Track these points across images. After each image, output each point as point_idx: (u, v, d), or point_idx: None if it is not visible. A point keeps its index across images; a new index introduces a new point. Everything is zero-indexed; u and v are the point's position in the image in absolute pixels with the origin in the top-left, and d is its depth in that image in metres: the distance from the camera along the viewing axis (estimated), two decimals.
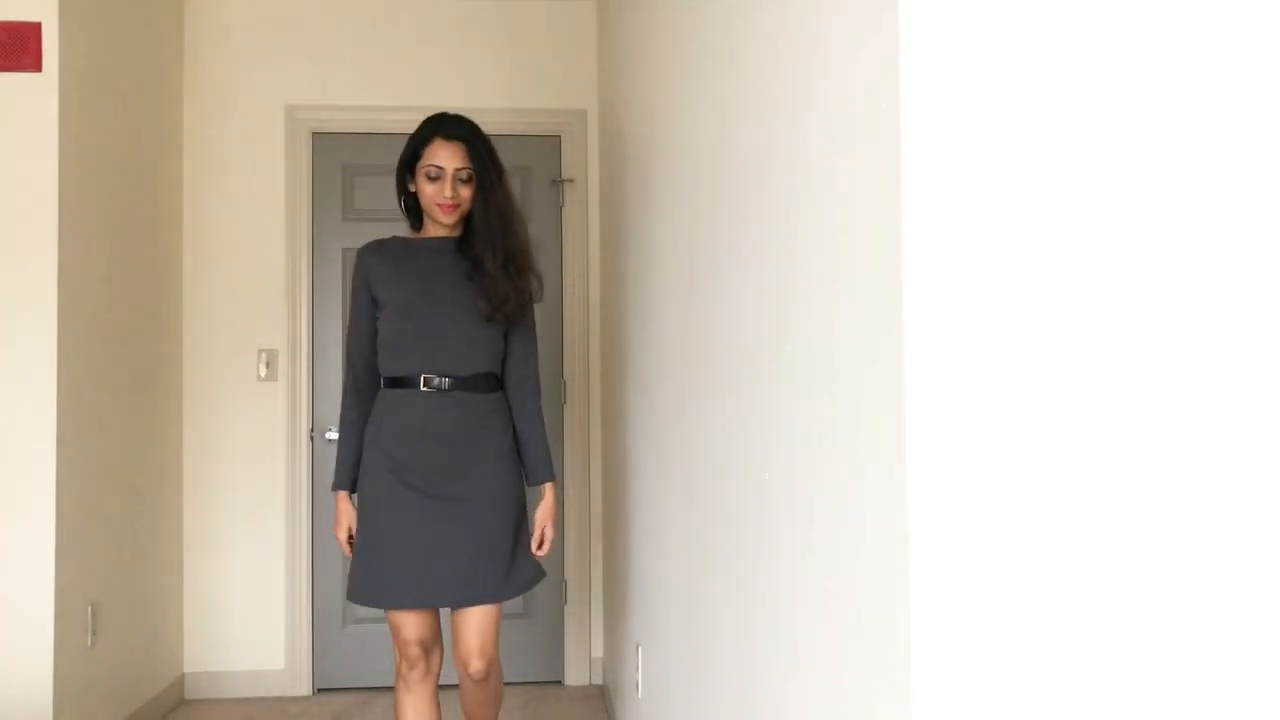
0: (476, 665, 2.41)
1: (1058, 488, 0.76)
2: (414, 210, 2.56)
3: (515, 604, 4.16)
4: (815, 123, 1.06)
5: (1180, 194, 0.72)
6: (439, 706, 2.49)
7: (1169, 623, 0.72)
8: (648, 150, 2.59)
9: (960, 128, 0.80)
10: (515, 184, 4.21)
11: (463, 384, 2.44)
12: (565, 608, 4.17)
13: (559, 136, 4.25)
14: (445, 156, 2.43)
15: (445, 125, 2.47)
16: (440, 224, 2.49)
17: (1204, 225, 0.71)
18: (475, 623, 2.41)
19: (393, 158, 4.11)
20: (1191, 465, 0.71)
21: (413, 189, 2.51)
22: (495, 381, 2.52)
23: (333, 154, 4.17)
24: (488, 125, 4.19)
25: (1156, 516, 0.72)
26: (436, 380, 2.42)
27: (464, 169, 2.43)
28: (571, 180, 4.23)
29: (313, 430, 4.11)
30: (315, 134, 4.16)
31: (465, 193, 2.44)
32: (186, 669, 4.04)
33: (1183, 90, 0.72)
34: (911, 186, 0.81)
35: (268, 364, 4.09)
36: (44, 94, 3.02)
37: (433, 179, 2.43)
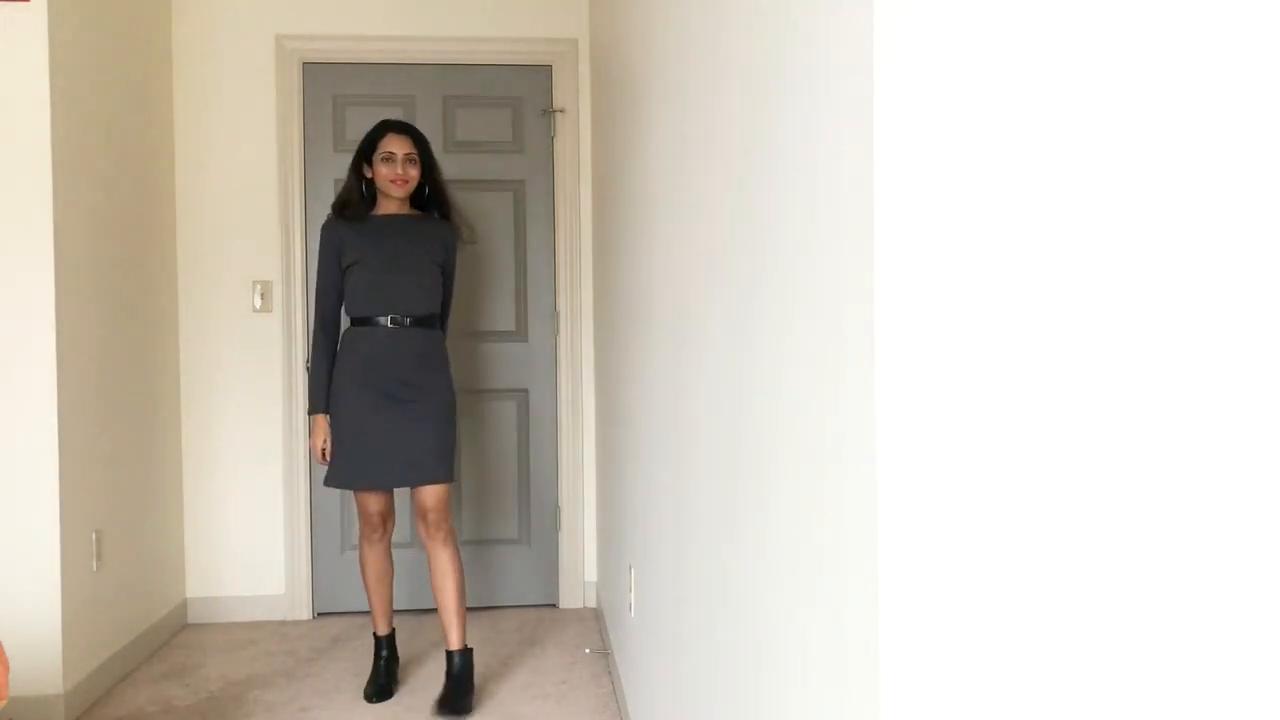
0: (434, 516, 3.19)
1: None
2: (368, 192, 3.26)
3: (511, 530, 4.25)
4: (799, 77, 1.09)
5: (1158, 187, 0.75)
6: (391, 557, 3.38)
7: (1148, 627, 0.76)
8: (640, 80, 2.60)
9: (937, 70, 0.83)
10: (506, 115, 4.23)
11: (417, 322, 3.23)
12: (559, 534, 4.25)
13: (550, 66, 4.23)
14: (397, 144, 3.19)
15: (395, 124, 3.25)
16: (392, 198, 3.22)
17: (1182, 219, 0.74)
18: (432, 493, 3.20)
19: (384, 87, 4.15)
20: (1169, 462, 0.74)
21: (369, 175, 3.23)
22: (438, 320, 3.31)
23: (324, 84, 4.16)
24: (477, 55, 4.22)
25: (1137, 515, 0.76)
26: (397, 319, 3.20)
27: (411, 154, 3.20)
28: (563, 110, 4.22)
29: (308, 361, 4.14)
30: (306, 64, 4.14)
31: (413, 173, 3.20)
32: (189, 594, 4.12)
33: (1156, 82, 0.75)
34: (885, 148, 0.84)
35: (262, 295, 4.12)
36: (33, 25, 3.01)
37: (386, 160, 3.18)
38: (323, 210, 4.15)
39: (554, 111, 4.22)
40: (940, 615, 0.84)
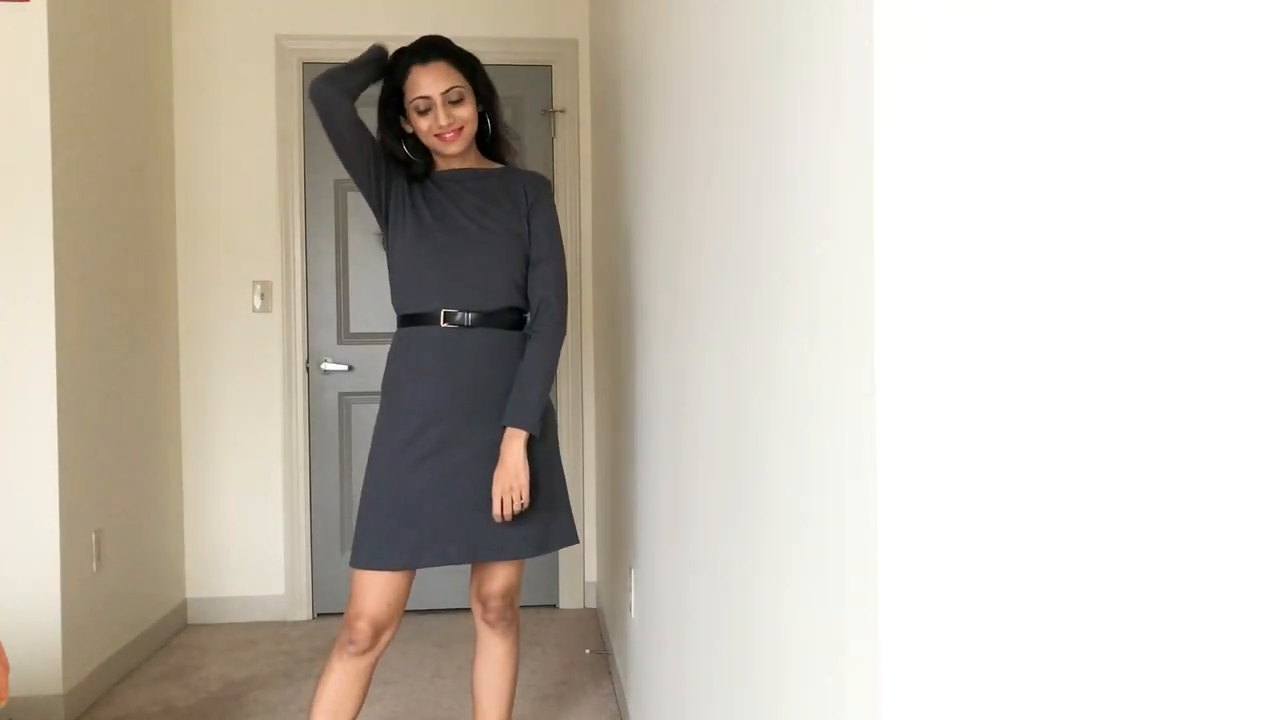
0: (499, 604, 2.38)
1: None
2: (419, 150, 2.32)
3: None
4: (798, 78, 1.09)
5: (1155, 191, 0.75)
6: (368, 683, 2.27)
7: (1148, 623, 0.76)
8: (641, 80, 2.60)
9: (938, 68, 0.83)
10: (506, 114, 4.21)
11: (485, 319, 2.25)
12: None
13: (550, 66, 4.23)
14: (427, 83, 2.22)
15: (417, 51, 2.27)
16: (447, 155, 2.29)
17: (1183, 221, 0.74)
18: (503, 575, 2.37)
19: None
20: (1168, 460, 0.74)
21: (409, 129, 2.30)
22: (518, 317, 2.31)
23: None
24: (478, 55, 4.18)
25: (1136, 514, 0.76)
26: (455, 315, 2.24)
27: (453, 88, 2.23)
28: (563, 111, 4.22)
29: (308, 361, 4.14)
30: (305, 64, 4.14)
31: (462, 113, 2.24)
32: (189, 594, 4.12)
33: (1152, 88, 0.74)
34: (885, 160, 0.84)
35: (262, 295, 4.12)
36: (33, 25, 3.01)
37: (423, 112, 2.23)
38: (323, 210, 4.16)
39: (554, 112, 4.22)
40: (940, 615, 0.84)
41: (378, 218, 2.32)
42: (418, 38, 2.33)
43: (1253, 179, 0.68)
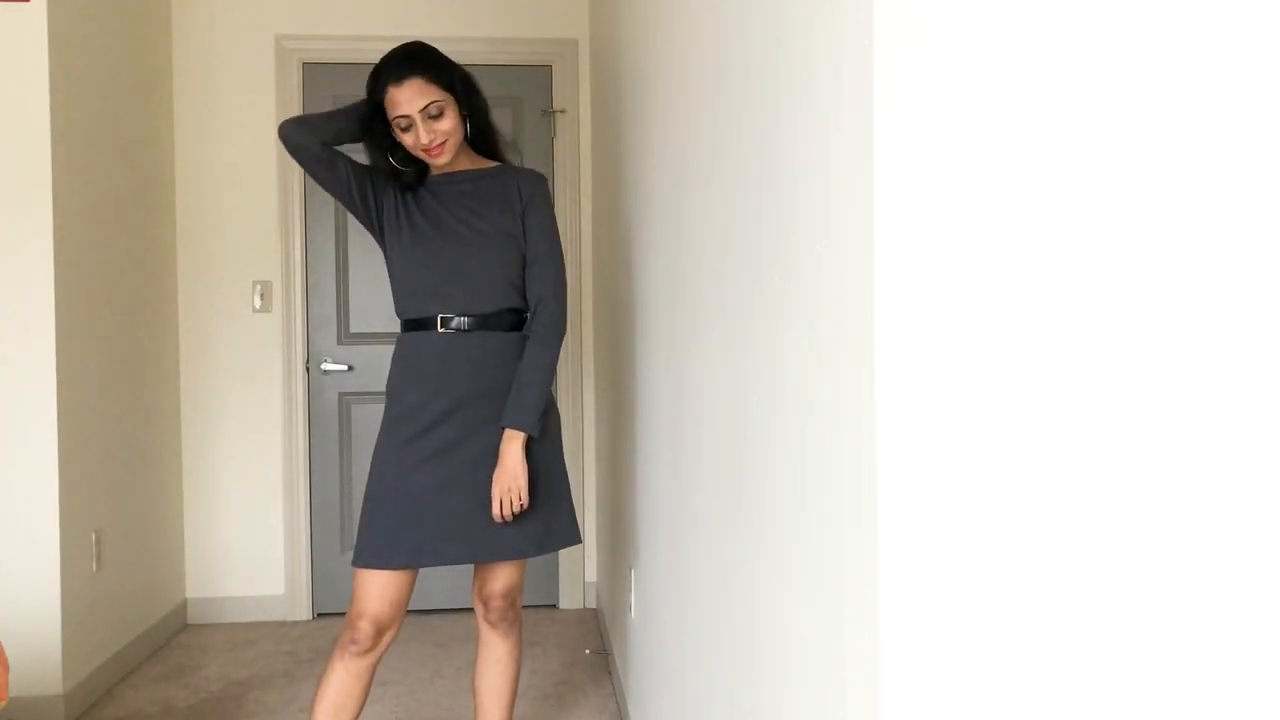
0: (500, 604, 2.39)
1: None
2: (410, 158, 2.30)
3: None
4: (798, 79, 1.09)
5: (1153, 191, 0.75)
6: (370, 683, 2.28)
7: (1148, 625, 0.76)
8: (641, 80, 2.60)
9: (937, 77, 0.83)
10: (506, 115, 4.21)
11: (482, 323, 2.26)
12: None
13: (550, 66, 4.23)
14: (404, 101, 2.18)
15: (390, 70, 2.21)
16: (438, 167, 2.29)
17: (1185, 222, 0.74)
18: (504, 575, 2.39)
19: None
20: (1168, 460, 0.74)
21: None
22: (517, 319, 2.31)
23: (323, 85, 4.15)
24: (477, 55, 4.15)
25: (1136, 515, 0.76)
26: (453, 319, 2.26)
27: (431, 103, 2.18)
28: (563, 111, 4.22)
29: (308, 361, 4.14)
30: (305, 64, 4.14)
31: (444, 125, 2.20)
32: (189, 594, 4.12)
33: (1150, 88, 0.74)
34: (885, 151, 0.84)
35: (262, 295, 4.12)
36: (33, 25, 3.01)
37: (406, 130, 2.21)
38: (323, 210, 4.16)
39: (554, 112, 4.22)
40: (940, 614, 0.84)
41: (372, 234, 2.35)
42: (397, 45, 2.29)
43: (1252, 179, 0.68)
